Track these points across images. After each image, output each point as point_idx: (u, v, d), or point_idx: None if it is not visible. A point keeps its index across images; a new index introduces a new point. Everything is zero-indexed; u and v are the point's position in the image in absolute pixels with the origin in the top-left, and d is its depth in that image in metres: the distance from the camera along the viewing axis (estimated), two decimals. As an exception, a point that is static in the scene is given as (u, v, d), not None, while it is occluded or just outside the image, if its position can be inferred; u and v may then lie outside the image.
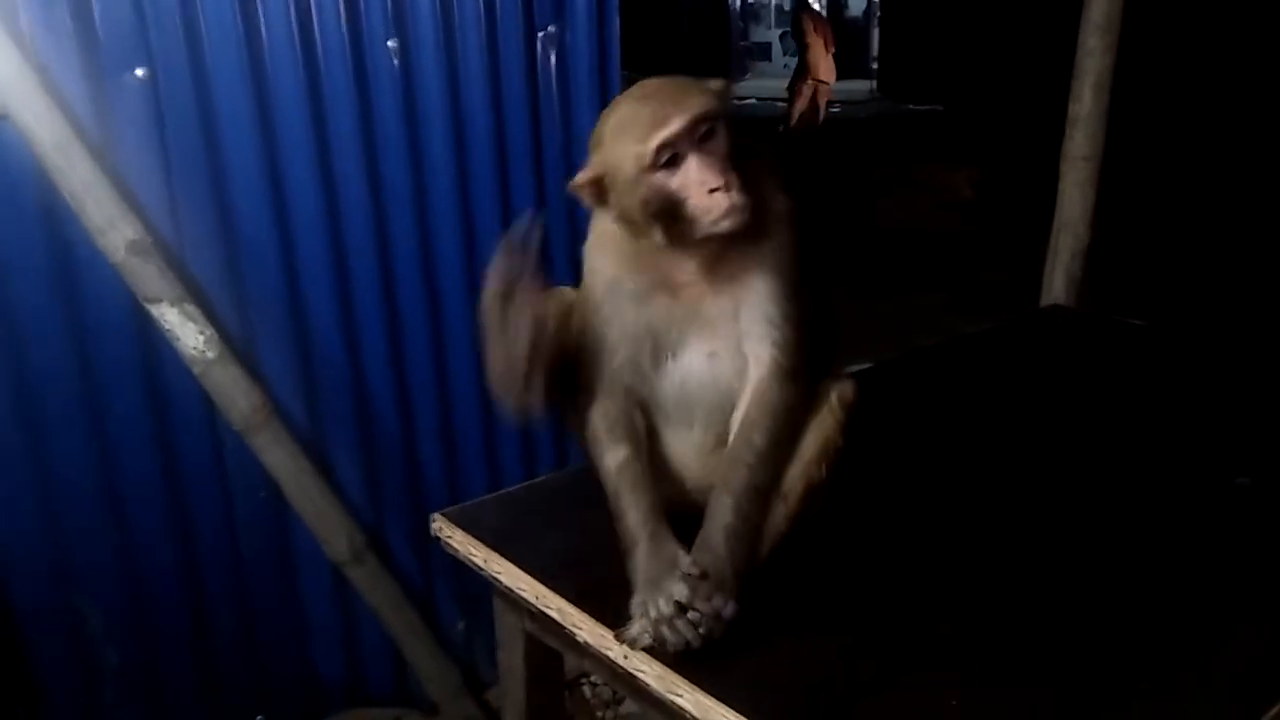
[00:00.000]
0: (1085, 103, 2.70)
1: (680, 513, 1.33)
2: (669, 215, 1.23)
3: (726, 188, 1.20)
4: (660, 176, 1.21)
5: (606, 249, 1.36)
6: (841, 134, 11.14)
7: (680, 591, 1.21)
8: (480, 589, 2.60)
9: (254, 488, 2.38)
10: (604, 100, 2.53)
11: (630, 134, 1.22)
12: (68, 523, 2.19)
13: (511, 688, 1.64)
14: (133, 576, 2.29)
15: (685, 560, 1.24)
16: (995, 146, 9.11)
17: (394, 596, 2.56)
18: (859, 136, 11.34)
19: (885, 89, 15.56)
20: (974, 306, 5.71)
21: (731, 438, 1.34)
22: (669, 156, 1.21)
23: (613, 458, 1.36)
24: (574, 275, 1.48)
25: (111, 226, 2.04)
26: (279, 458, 2.32)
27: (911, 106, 13.67)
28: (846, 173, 8.59)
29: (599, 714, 2.84)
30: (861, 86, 16.25)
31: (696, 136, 1.21)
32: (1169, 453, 1.84)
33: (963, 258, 7.22)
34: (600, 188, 1.27)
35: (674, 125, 1.20)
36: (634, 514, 1.31)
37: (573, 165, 2.43)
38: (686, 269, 1.31)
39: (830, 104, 12.16)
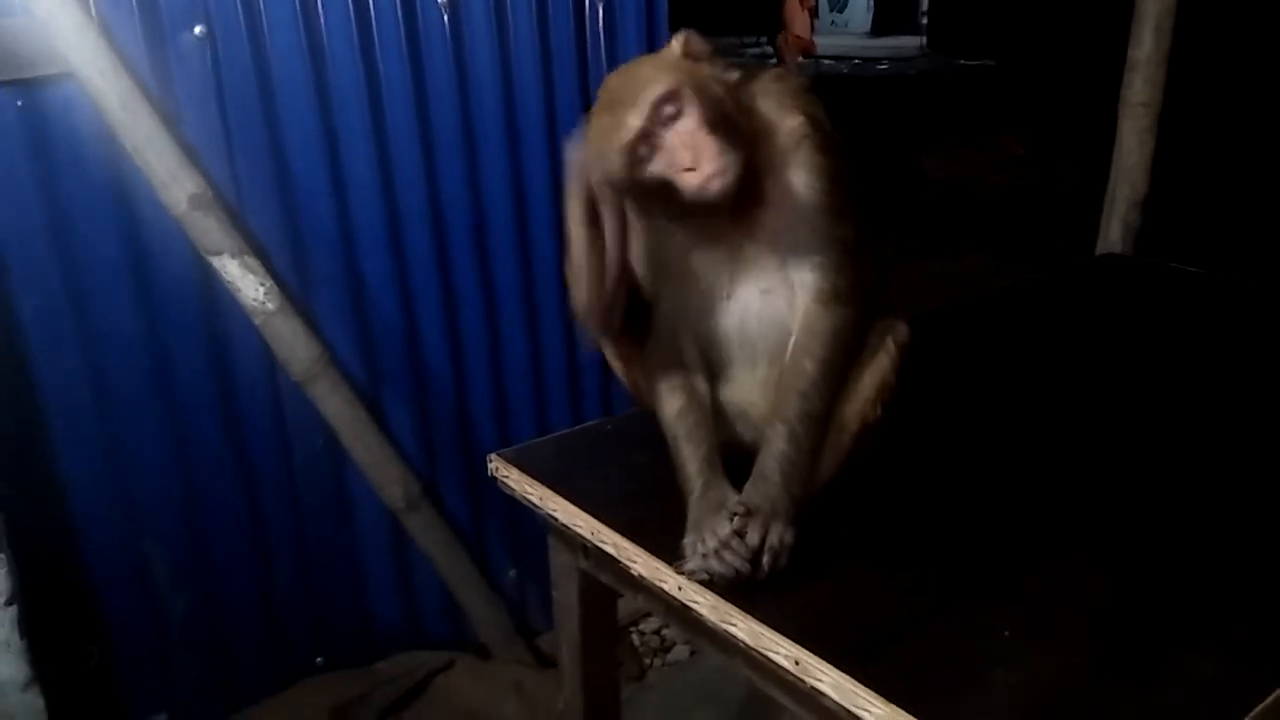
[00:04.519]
0: (1145, 46, 2.63)
1: (751, 454, 1.33)
2: (663, 195, 1.24)
3: (696, 163, 1.19)
4: (641, 172, 1.23)
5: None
6: (890, 91, 10.96)
7: (723, 527, 1.24)
8: (532, 536, 2.68)
9: (312, 436, 2.45)
10: (652, 52, 2.54)
11: (605, 145, 1.23)
12: (134, 471, 2.27)
13: (566, 625, 1.68)
14: (197, 521, 2.37)
15: (732, 499, 1.28)
16: (1048, 102, 8.90)
17: (448, 543, 2.62)
18: (908, 93, 11.14)
19: (935, 44, 15.23)
20: (1026, 265, 5.62)
21: (784, 367, 1.35)
22: (645, 149, 1.21)
23: (670, 407, 1.38)
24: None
25: (174, 180, 2.09)
26: (336, 406, 2.38)
27: (962, 62, 13.37)
28: (896, 130, 8.46)
29: (647, 661, 2.89)
30: (911, 42, 15.93)
31: (664, 120, 1.21)
32: (1225, 398, 1.82)
33: (1014, 216, 7.10)
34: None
35: (631, 129, 1.20)
36: (690, 464, 1.34)
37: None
38: (718, 217, 1.31)
39: (878, 61, 11.96)
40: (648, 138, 1.21)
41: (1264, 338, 2.12)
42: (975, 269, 5.83)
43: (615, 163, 1.22)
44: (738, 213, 1.31)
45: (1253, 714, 1.05)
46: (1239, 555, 1.34)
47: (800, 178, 1.31)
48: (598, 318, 1.33)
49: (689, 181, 1.20)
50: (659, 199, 1.26)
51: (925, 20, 16.38)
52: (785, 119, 1.32)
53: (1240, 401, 1.81)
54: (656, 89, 1.21)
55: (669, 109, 1.21)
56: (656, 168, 1.22)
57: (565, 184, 1.29)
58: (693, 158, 1.19)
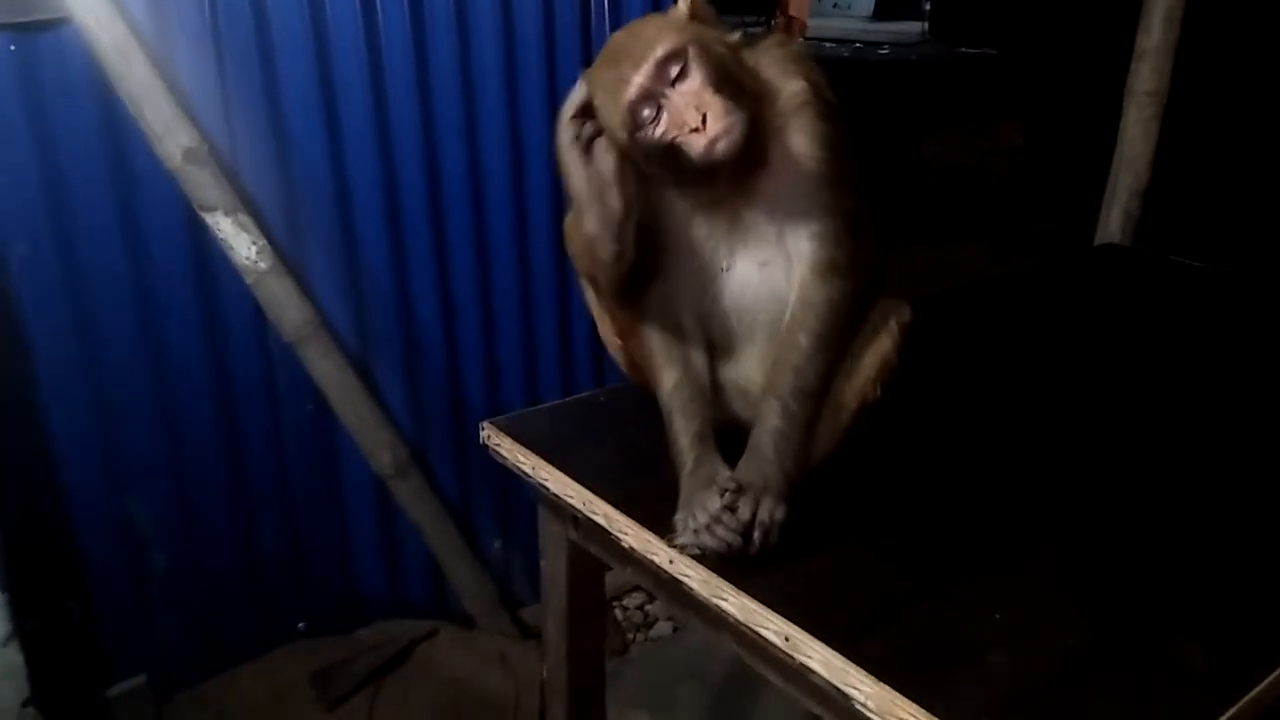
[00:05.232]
0: (1154, 35, 2.62)
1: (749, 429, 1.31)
2: (667, 158, 1.21)
3: (704, 122, 1.16)
4: (645, 133, 1.19)
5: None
6: (891, 76, 10.91)
7: (714, 502, 1.22)
8: (519, 507, 2.67)
9: (302, 399, 2.43)
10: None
11: (607, 102, 1.21)
12: (121, 427, 2.25)
13: (553, 596, 1.67)
14: (182, 481, 2.36)
15: (724, 475, 1.26)
16: (1048, 91, 8.86)
17: (435, 512, 2.61)
18: (909, 78, 11.09)
19: (937, 31, 15.15)
20: (1024, 254, 5.60)
21: (779, 341, 1.32)
22: (648, 108, 1.19)
23: (665, 380, 1.36)
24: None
25: (168, 132, 2.06)
26: (327, 370, 2.36)
27: (964, 50, 13.31)
28: (896, 115, 8.42)
29: (630, 636, 2.89)
30: (913, 28, 15.82)
31: (668, 79, 1.18)
32: (1220, 392, 1.82)
33: (1012, 205, 7.08)
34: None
35: (635, 86, 1.17)
36: (683, 438, 1.33)
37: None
38: (718, 184, 1.28)
39: (879, 46, 11.89)
40: (651, 97, 1.18)
41: (1261, 333, 2.12)
42: (974, 257, 5.81)
43: (616, 121, 1.20)
44: (737, 179, 1.28)
45: (1241, 702, 1.05)
46: (1232, 545, 1.33)
47: (800, 144, 1.28)
48: (607, 245, 1.26)
49: (695, 143, 1.18)
50: (660, 165, 1.23)
51: (928, 6, 16.28)
52: (787, 83, 1.29)
53: (1236, 395, 1.80)
54: (662, 47, 1.18)
55: (674, 68, 1.18)
56: (660, 131, 1.19)
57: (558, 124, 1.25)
58: (698, 117, 1.17)
